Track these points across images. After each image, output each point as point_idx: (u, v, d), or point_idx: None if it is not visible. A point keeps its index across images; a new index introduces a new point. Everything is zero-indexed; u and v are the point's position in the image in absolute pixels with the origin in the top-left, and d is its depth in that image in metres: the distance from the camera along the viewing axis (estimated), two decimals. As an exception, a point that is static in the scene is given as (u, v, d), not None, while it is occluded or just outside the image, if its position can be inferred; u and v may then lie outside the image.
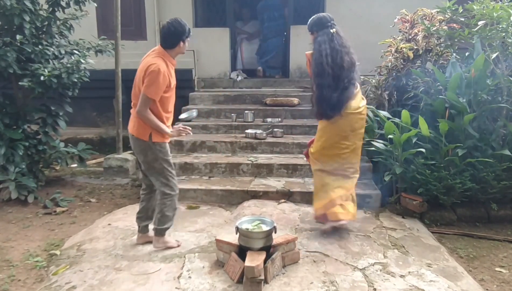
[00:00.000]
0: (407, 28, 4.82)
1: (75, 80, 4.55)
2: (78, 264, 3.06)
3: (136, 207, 4.18)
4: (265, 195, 4.27)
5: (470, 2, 4.14)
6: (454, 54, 4.49)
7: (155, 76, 2.90)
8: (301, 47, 6.99)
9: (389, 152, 4.16)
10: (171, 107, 3.16)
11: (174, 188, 3.16)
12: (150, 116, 2.96)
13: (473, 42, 4.21)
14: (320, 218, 3.57)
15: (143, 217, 3.30)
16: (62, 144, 4.89)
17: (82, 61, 4.52)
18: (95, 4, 4.94)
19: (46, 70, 4.24)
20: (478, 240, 3.70)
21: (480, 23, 4.03)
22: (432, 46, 4.63)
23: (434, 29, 4.47)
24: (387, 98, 4.75)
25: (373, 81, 5.03)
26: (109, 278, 2.84)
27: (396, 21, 4.92)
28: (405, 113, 4.10)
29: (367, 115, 4.59)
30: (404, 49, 4.62)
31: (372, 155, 4.56)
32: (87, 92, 5.24)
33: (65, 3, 4.62)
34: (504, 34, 4.01)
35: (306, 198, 4.13)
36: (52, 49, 4.48)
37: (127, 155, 5.48)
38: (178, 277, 2.83)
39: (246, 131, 5.31)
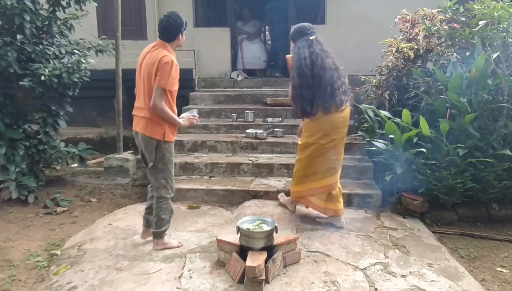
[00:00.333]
0: (408, 28, 4.83)
1: (76, 80, 4.55)
2: (79, 264, 3.06)
3: (136, 207, 4.24)
4: (265, 195, 4.27)
5: (471, 2, 4.14)
6: (455, 54, 4.49)
7: (169, 67, 2.92)
8: (301, 47, 6.99)
9: (390, 151, 4.16)
10: (174, 104, 3.17)
11: (170, 191, 3.18)
12: (165, 108, 2.99)
13: (474, 42, 4.21)
14: (292, 200, 3.92)
15: (151, 212, 3.29)
16: (62, 144, 4.89)
17: (83, 61, 4.52)
18: (96, 4, 4.93)
19: (46, 70, 4.23)
20: (479, 240, 3.69)
21: (481, 23, 4.03)
22: (433, 46, 4.63)
23: (435, 29, 4.47)
24: (387, 98, 4.74)
25: (374, 81, 5.03)
26: (110, 278, 2.84)
27: (397, 21, 4.92)
28: (406, 113, 4.10)
29: (368, 115, 4.62)
30: (405, 49, 4.62)
31: (373, 154, 4.55)
32: (87, 92, 5.24)
33: (66, 2, 4.61)
34: (505, 34, 4.02)
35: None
36: (52, 49, 4.48)
37: (127, 155, 5.48)
38: (179, 277, 2.83)
39: (247, 131, 5.31)
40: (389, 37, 4.92)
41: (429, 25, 4.46)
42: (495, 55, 3.96)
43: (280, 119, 5.70)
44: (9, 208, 4.20)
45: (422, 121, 3.87)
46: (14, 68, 4.20)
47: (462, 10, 4.24)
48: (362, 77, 5.41)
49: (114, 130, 5.67)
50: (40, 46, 4.40)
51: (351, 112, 3.70)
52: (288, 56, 3.73)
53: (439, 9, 4.43)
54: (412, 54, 4.60)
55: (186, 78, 6.51)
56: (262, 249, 2.82)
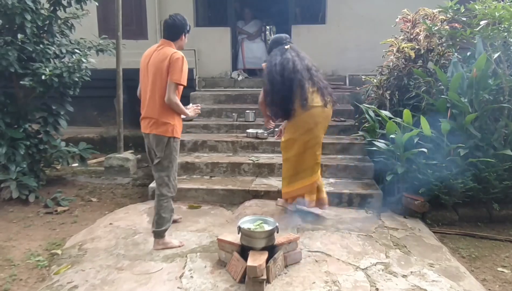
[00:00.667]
0: (409, 27, 4.83)
1: (76, 79, 4.55)
2: (80, 263, 3.06)
3: (137, 206, 4.24)
4: (266, 195, 4.27)
5: (472, 2, 4.14)
6: (456, 54, 4.49)
7: (180, 63, 3.07)
8: (301, 46, 6.96)
9: (390, 151, 4.16)
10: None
11: (172, 190, 3.24)
12: (179, 102, 3.14)
13: (475, 42, 4.21)
14: (286, 200, 3.95)
15: None
16: (63, 143, 4.89)
17: (83, 60, 4.52)
18: (96, 3, 4.93)
19: (47, 69, 4.23)
20: (480, 240, 3.69)
21: (482, 22, 4.03)
22: (433, 46, 4.63)
23: (435, 28, 4.47)
24: (388, 98, 4.74)
25: (375, 81, 5.03)
26: (111, 277, 2.84)
27: (398, 20, 4.92)
28: (406, 113, 4.10)
29: (369, 115, 4.62)
30: (406, 49, 4.62)
31: (373, 154, 4.55)
32: (88, 91, 5.23)
33: (66, 2, 4.61)
34: (506, 34, 4.02)
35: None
36: (53, 48, 4.48)
37: (128, 154, 5.48)
38: (180, 277, 2.83)
39: (247, 131, 5.30)
40: (390, 37, 4.92)
41: (430, 25, 4.46)
42: (496, 55, 3.96)
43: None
44: (10, 207, 4.20)
45: (423, 121, 3.87)
46: (15, 67, 4.20)
47: (463, 10, 4.24)
48: (363, 77, 5.41)
49: (115, 130, 5.67)
50: (41, 45, 4.39)
51: (333, 112, 3.84)
52: (263, 64, 3.84)
53: (440, 9, 4.43)
54: (413, 54, 4.60)
55: (187, 77, 6.51)
56: (263, 249, 2.82)
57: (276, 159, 4.88)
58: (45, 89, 4.40)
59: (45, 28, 4.55)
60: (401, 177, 4.10)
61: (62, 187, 4.81)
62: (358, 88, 5.84)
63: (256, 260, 2.66)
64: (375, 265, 3.01)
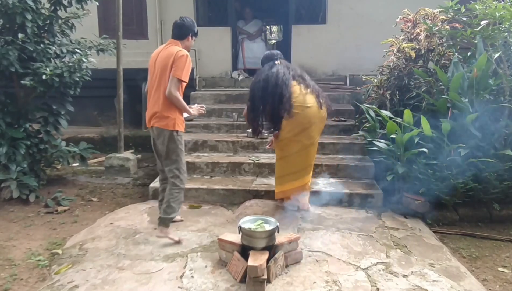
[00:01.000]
0: (409, 27, 4.82)
1: (77, 79, 4.55)
2: (81, 263, 3.06)
3: (138, 206, 4.25)
4: (267, 195, 4.26)
5: (472, 2, 4.14)
6: (456, 54, 4.49)
7: (184, 60, 3.25)
8: (302, 46, 7.02)
9: (391, 151, 4.16)
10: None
11: (183, 182, 3.41)
12: (179, 96, 3.29)
13: (475, 42, 4.21)
14: (279, 199, 4.04)
15: None
16: (63, 143, 4.89)
17: (84, 60, 4.52)
18: (97, 3, 4.93)
19: (48, 69, 4.23)
20: (480, 240, 3.70)
21: (483, 23, 4.03)
22: (434, 46, 4.63)
23: (436, 28, 4.47)
24: (389, 98, 4.74)
25: (375, 80, 5.03)
26: (111, 277, 2.84)
27: (398, 20, 4.92)
28: (407, 113, 4.10)
29: (369, 115, 4.62)
30: (406, 49, 4.62)
31: (374, 154, 4.55)
32: (88, 91, 5.23)
33: (67, 2, 4.61)
34: (506, 34, 4.02)
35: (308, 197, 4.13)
36: (54, 48, 4.48)
37: (128, 154, 5.48)
38: (181, 277, 2.83)
39: (248, 130, 5.29)
40: (391, 37, 4.92)
41: (431, 25, 4.46)
42: (496, 55, 3.96)
43: (281, 119, 5.69)
44: (10, 207, 4.20)
45: (424, 121, 3.87)
46: (16, 67, 4.20)
47: (464, 10, 4.24)
48: (363, 77, 5.41)
49: (115, 129, 5.67)
50: (42, 45, 4.40)
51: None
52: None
53: (441, 9, 4.43)
54: (413, 54, 4.60)
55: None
56: (263, 249, 2.82)
57: (276, 158, 4.88)
58: (45, 89, 4.40)
59: (46, 28, 4.55)
60: (402, 177, 4.10)
61: (62, 187, 4.81)
62: (358, 88, 5.84)
63: (257, 259, 2.66)
64: (375, 265, 3.02)
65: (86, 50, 4.74)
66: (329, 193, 4.21)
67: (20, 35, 4.22)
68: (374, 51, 5.45)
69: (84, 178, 5.26)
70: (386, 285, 2.76)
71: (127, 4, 6.43)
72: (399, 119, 4.18)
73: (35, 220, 3.97)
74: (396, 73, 4.84)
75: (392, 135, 4.05)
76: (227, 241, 2.98)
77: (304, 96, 3.64)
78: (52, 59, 4.47)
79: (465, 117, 3.84)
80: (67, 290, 2.71)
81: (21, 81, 4.30)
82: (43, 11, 4.46)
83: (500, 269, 3.20)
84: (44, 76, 4.20)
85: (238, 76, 7.01)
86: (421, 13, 4.71)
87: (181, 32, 3.40)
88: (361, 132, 4.88)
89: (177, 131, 3.33)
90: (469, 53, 4.45)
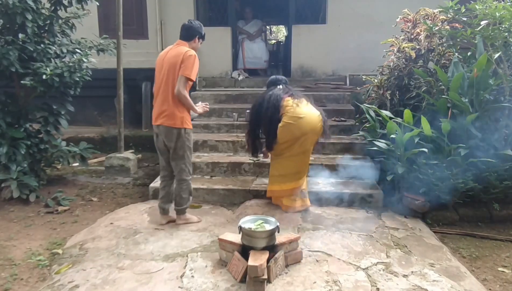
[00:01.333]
0: (409, 27, 4.83)
1: (77, 79, 4.54)
2: (81, 263, 3.06)
3: (138, 206, 4.25)
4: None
5: (472, 2, 4.14)
6: (456, 54, 4.49)
7: (192, 60, 3.39)
8: (302, 46, 7.02)
9: (391, 151, 4.16)
10: None
11: (189, 173, 3.65)
12: (187, 95, 3.45)
13: (476, 42, 4.21)
14: (269, 196, 4.12)
15: (165, 201, 3.75)
16: (63, 143, 4.89)
17: (84, 60, 4.51)
18: (97, 3, 4.93)
19: (48, 69, 4.23)
20: (480, 240, 3.70)
21: (483, 23, 4.03)
22: (434, 46, 4.63)
23: (436, 28, 4.47)
24: (389, 98, 4.74)
25: (375, 80, 5.03)
26: (111, 277, 2.84)
27: (398, 20, 4.92)
28: (407, 113, 4.10)
29: (369, 114, 4.62)
30: (406, 49, 4.62)
31: (374, 154, 4.55)
32: (88, 91, 5.23)
33: (67, 1, 4.60)
34: (506, 34, 4.02)
35: (308, 197, 4.12)
36: (54, 48, 4.48)
37: (128, 154, 5.48)
38: (181, 276, 2.83)
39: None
40: (391, 37, 4.92)
41: (431, 25, 4.47)
42: (496, 55, 3.96)
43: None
44: (10, 207, 4.20)
45: (424, 121, 3.87)
46: (16, 67, 4.20)
47: (464, 10, 4.24)
48: (364, 77, 5.41)
49: (115, 129, 5.67)
50: (42, 45, 4.40)
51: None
52: None
53: (441, 9, 4.43)
54: (413, 54, 4.60)
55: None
56: (264, 249, 2.82)
57: (276, 158, 4.88)
58: (46, 89, 4.40)
59: (46, 28, 4.55)
60: (402, 177, 4.10)
61: (62, 187, 4.81)
62: (358, 88, 5.84)
63: (257, 259, 2.66)
64: (375, 265, 3.02)
65: (86, 50, 4.74)
66: (329, 193, 4.21)
67: (20, 35, 4.22)
68: (374, 51, 5.46)
69: (84, 177, 5.26)
70: (386, 285, 2.76)
71: (127, 4, 6.43)
72: (399, 119, 4.18)
73: (35, 220, 3.97)
74: (396, 73, 4.84)
75: (392, 135, 4.05)
76: (227, 241, 2.98)
77: (295, 108, 3.76)
78: (52, 59, 4.47)
79: (465, 117, 3.84)
80: (67, 290, 2.71)
81: (21, 81, 4.30)
82: (43, 11, 4.46)
83: (500, 269, 3.20)
84: (44, 76, 4.19)
85: (238, 76, 7.01)
86: (421, 13, 4.71)
87: (188, 33, 3.54)
88: (361, 132, 4.88)
89: (185, 129, 3.48)
90: (469, 53, 4.45)
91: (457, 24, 4.48)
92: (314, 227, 3.65)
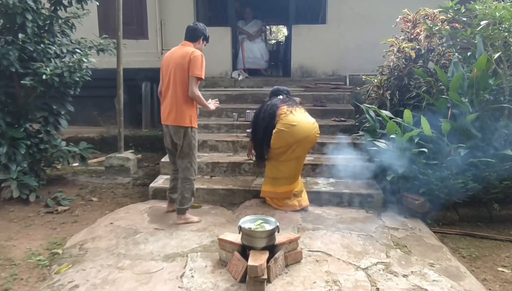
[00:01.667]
0: (409, 27, 4.83)
1: (77, 79, 4.54)
2: (81, 263, 3.06)
3: (138, 206, 4.26)
4: (267, 194, 4.27)
5: (472, 2, 4.14)
6: (456, 54, 4.49)
7: (200, 60, 3.49)
8: (302, 46, 7.02)
9: (391, 151, 4.15)
10: None
11: (194, 174, 3.70)
12: (200, 94, 3.55)
13: (475, 42, 4.21)
14: (262, 197, 4.17)
15: (173, 192, 3.92)
16: (63, 143, 4.89)
17: (84, 60, 4.51)
18: (97, 3, 4.94)
19: (48, 69, 4.23)
20: (480, 240, 3.70)
21: (483, 23, 4.03)
22: (434, 46, 4.64)
23: (436, 28, 4.47)
24: (389, 98, 4.74)
25: (375, 80, 5.03)
26: (111, 277, 2.84)
27: (398, 20, 4.92)
28: (407, 113, 4.10)
29: (369, 115, 4.62)
30: (406, 49, 4.62)
31: (374, 154, 4.55)
32: (88, 91, 5.23)
33: (67, 1, 4.61)
34: (506, 34, 4.01)
35: (308, 197, 4.13)
36: (54, 48, 4.48)
37: (128, 154, 5.48)
38: (181, 276, 2.83)
39: (248, 130, 5.29)
40: (391, 37, 4.93)
41: (431, 25, 4.47)
42: (496, 55, 3.96)
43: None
44: (10, 207, 4.20)
45: (424, 121, 3.87)
46: (16, 67, 4.20)
47: (464, 10, 4.24)
48: (363, 77, 5.42)
49: (115, 129, 5.67)
50: (42, 45, 4.40)
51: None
52: None
53: (441, 9, 4.43)
54: (413, 54, 4.60)
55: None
56: (264, 249, 2.82)
57: (276, 158, 4.88)
58: (45, 89, 4.40)
59: (46, 28, 4.55)
60: (402, 177, 4.10)
61: (62, 187, 4.82)
62: (358, 88, 5.85)
63: (257, 259, 2.66)
64: (375, 265, 3.02)
65: (86, 50, 4.74)
66: (329, 193, 4.21)
67: (20, 35, 4.22)
68: (374, 51, 5.46)
69: (84, 177, 5.26)
70: (386, 285, 2.76)
71: (127, 4, 6.43)
72: (399, 119, 4.18)
73: (35, 220, 3.97)
74: (396, 73, 4.85)
75: (392, 135, 4.05)
76: (227, 240, 2.98)
77: (289, 116, 3.85)
78: (52, 59, 4.47)
79: (465, 117, 3.84)
80: (67, 289, 2.71)
81: (21, 81, 4.30)
82: (43, 11, 4.46)
83: (500, 269, 3.20)
84: (44, 76, 4.20)
85: (238, 76, 7.01)
86: (421, 13, 4.71)
87: (193, 34, 3.64)
88: (361, 132, 4.88)
89: (191, 127, 3.59)
90: (469, 53, 4.45)
91: (457, 24, 4.48)
92: (314, 227, 3.66)
